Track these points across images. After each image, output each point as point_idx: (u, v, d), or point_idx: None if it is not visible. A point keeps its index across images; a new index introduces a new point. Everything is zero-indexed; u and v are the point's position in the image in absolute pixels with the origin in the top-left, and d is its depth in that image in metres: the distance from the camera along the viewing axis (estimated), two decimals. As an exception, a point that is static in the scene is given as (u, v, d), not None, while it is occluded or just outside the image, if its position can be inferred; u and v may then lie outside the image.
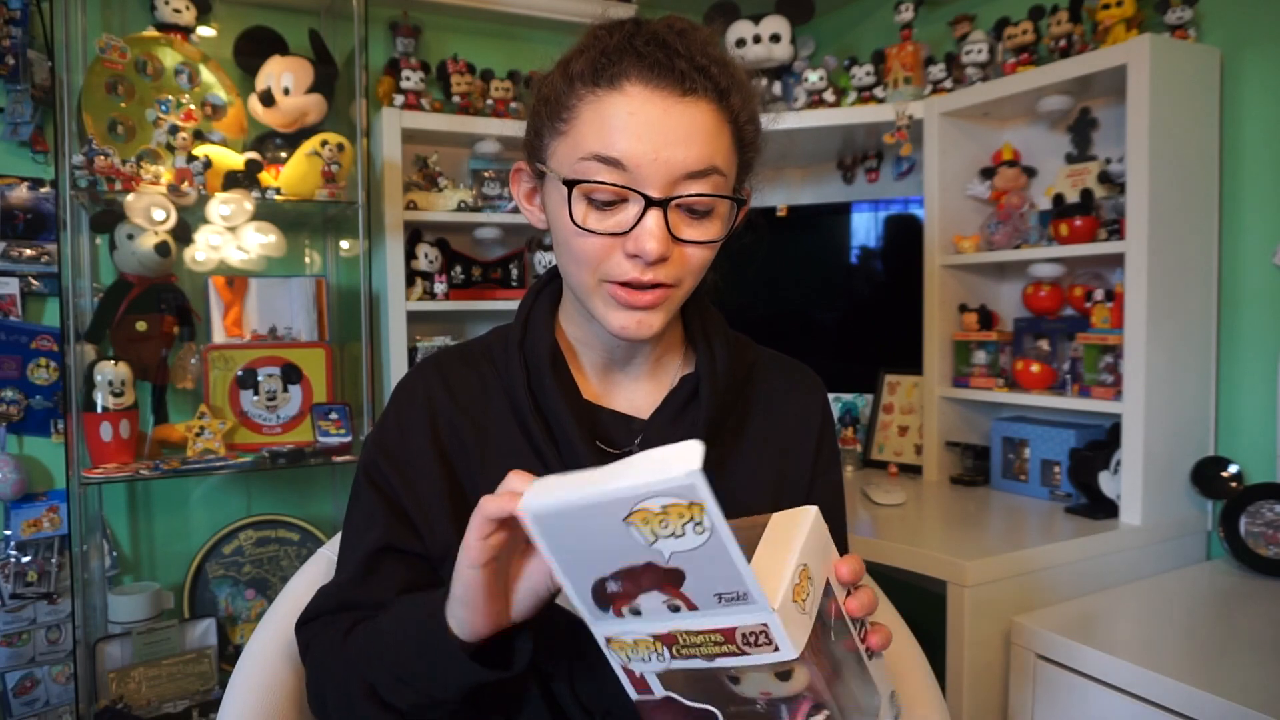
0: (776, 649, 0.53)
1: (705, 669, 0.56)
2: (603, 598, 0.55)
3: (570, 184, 0.72)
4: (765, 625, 0.52)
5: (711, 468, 0.85)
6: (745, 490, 0.85)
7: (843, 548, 0.94)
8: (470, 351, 0.88)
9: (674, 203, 0.72)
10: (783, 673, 0.56)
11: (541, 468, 0.80)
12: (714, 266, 0.84)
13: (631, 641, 0.56)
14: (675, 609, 0.54)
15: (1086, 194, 1.74)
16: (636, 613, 0.55)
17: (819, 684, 0.56)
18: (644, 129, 0.69)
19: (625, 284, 0.73)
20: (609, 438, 0.83)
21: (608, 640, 0.58)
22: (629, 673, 0.59)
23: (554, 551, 0.54)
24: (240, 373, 1.94)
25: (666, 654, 0.56)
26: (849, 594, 0.62)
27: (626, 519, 0.51)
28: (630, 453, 0.82)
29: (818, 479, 0.90)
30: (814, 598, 0.57)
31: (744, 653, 0.54)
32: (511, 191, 0.85)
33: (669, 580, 0.53)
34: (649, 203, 0.70)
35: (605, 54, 0.71)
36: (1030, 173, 1.95)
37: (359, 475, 0.84)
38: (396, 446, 0.82)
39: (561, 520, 0.53)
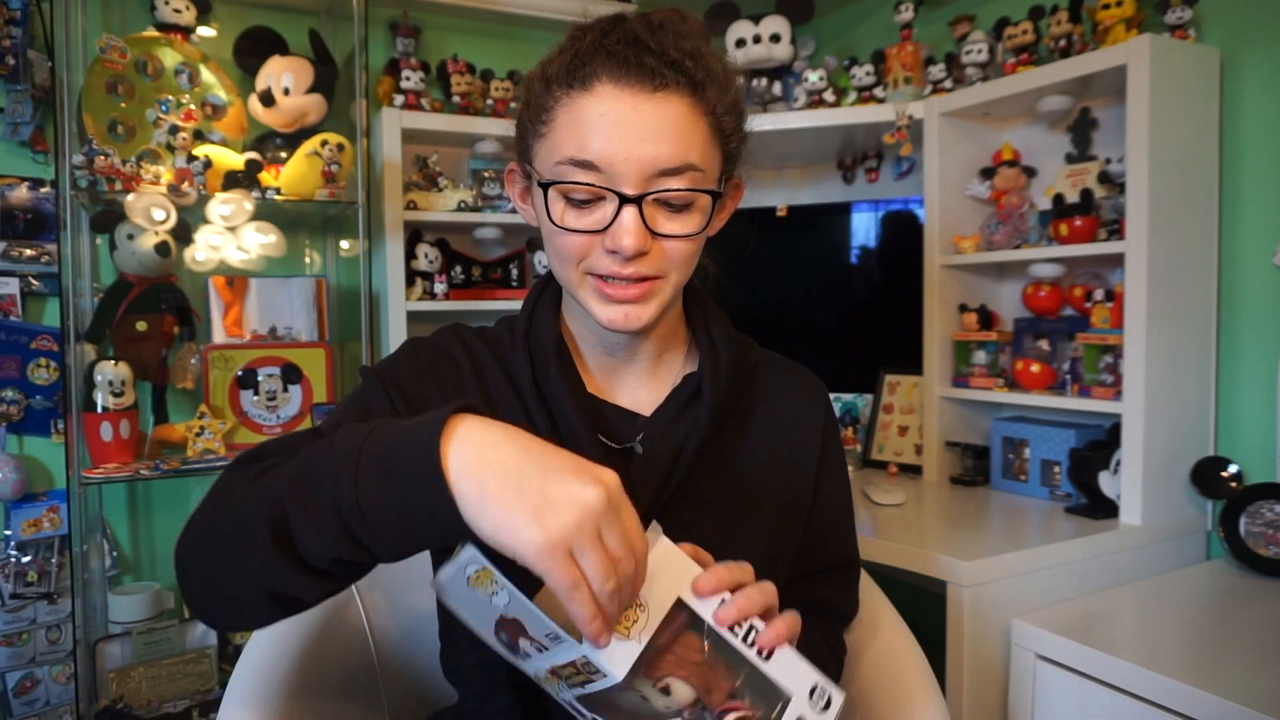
0: (605, 675, 0.57)
1: (604, 693, 0.60)
2: (505, 644, 0.62)
3: (546, 186, 0.73)
4: (585, 657, 0.57)
5: (717, 462, 0.85)
6: (746, 489, 0.85)
7: (849, 548, 0.94)
8: (483, 333, 0.88)
9: (650, 198, 0.72)
10: (663, 688, 0.61)
11: None
12: (716, 262, 0.84)
13: (546, 675, 0.62)
14: (542, 649, 0.59)
15: (1086, 194, 1.74)
16: (526, 655, 0.61)
17: (710, 695, 0.61)
18: (614, 128, 0.70)
19: (608, 277, 0.74)
20: (612, 433, 0.83)
21: (536, 675, 0.64)
22: (566, 702, 0.64)
23: (460, 611, 0.61)
24: (240, 373, 1.94)
25: (564, 685, 0.62)
26: (722, 604, 0.63)
27: (469, 583, 0.57)
28: (633, 449, 0.82)
29: (823, 480, 0.90)
30: (647, 623, 0.59)
31: (591, 680, 0.59)
32: (507, 192, 0.86)
33: (520, 628, 0.59)
34: (623, 200, 0.71)
35: (578, 55, 0.72)
36: (1030, 173, 1.95)
37: (367, 371, 0.83)
38: (406, 379, 0.82)
39: (448, 589, 0.59)
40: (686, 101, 0.72)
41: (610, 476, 0.56)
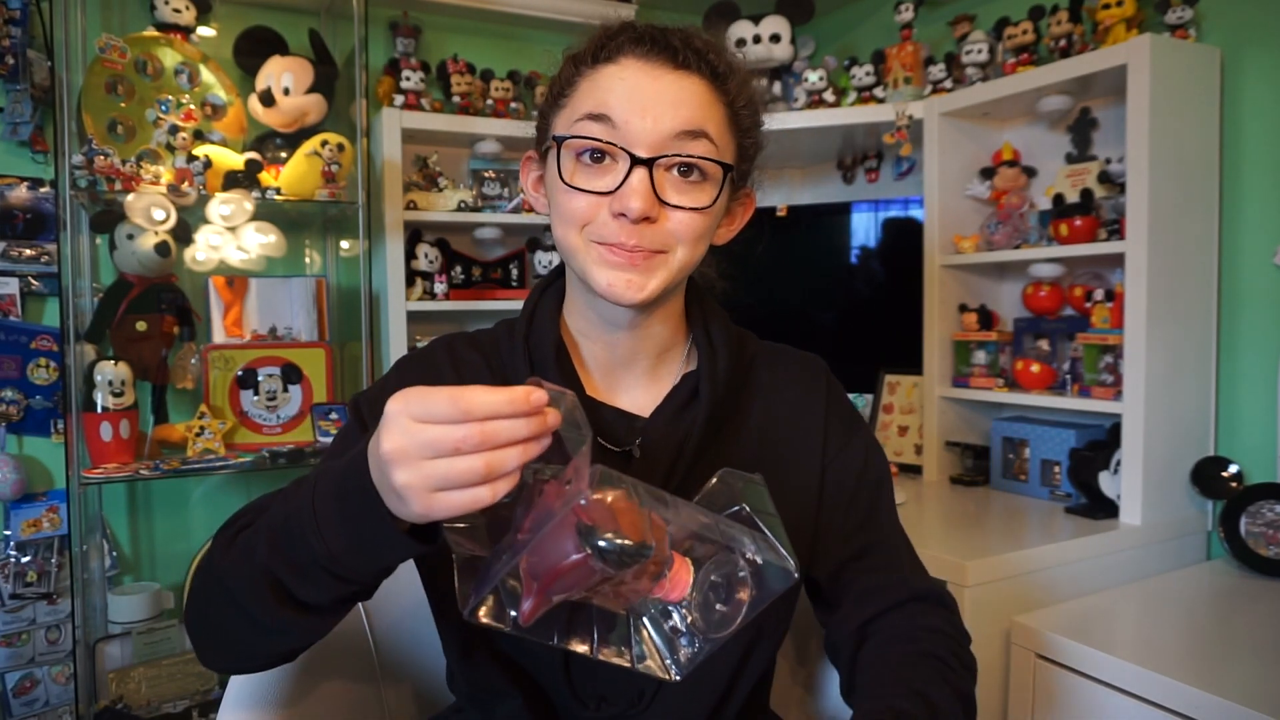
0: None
1: None
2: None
3: (560, 140, 0.75)
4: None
5: (716, 461, 0.85)
6: None
7: (880, 529, 0.88)
8: (479, 339, 0.88)
9: (662, 163, 0.73)
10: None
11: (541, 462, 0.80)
12: (721, 275, 0.84)
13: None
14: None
15: (1086, 194, 1.74)
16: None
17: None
18: (634, 90, 0.73)
19: (613, 245, 0.74)
20: (611, 435, 0.83)
21: None
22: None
23: None
24: (240, 373, 1.94)
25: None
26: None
27: None
28: (631, 451, 0.82)
29: (830, 463, 0.87)
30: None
31: None
32: (521, 182, 0.86)
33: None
34: (635, 161, 0.72)
35: (604, 37, 0.75)
36: (1030, 173, 1.95)
37: (349, 407, 0.84)
38: None
39: None
40: (707, 84, 0.74)
41: (389, 410, 0.55)
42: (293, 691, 0.89)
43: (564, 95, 0.77)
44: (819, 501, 0.87)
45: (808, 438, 0.88)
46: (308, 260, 2.21)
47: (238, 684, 0.89)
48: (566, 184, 0.74)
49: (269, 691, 0.88)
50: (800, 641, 1.11)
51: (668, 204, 0.74)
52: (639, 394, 0.86)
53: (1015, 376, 1.88)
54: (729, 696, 0.82)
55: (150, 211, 1.80)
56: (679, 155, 0.73)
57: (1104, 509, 1.64)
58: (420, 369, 0.85)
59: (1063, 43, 1.78)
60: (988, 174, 1.97)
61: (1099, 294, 1.73)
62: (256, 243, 2.00)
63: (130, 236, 1.83)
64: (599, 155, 0.73)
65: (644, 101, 0.72)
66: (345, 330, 2.20)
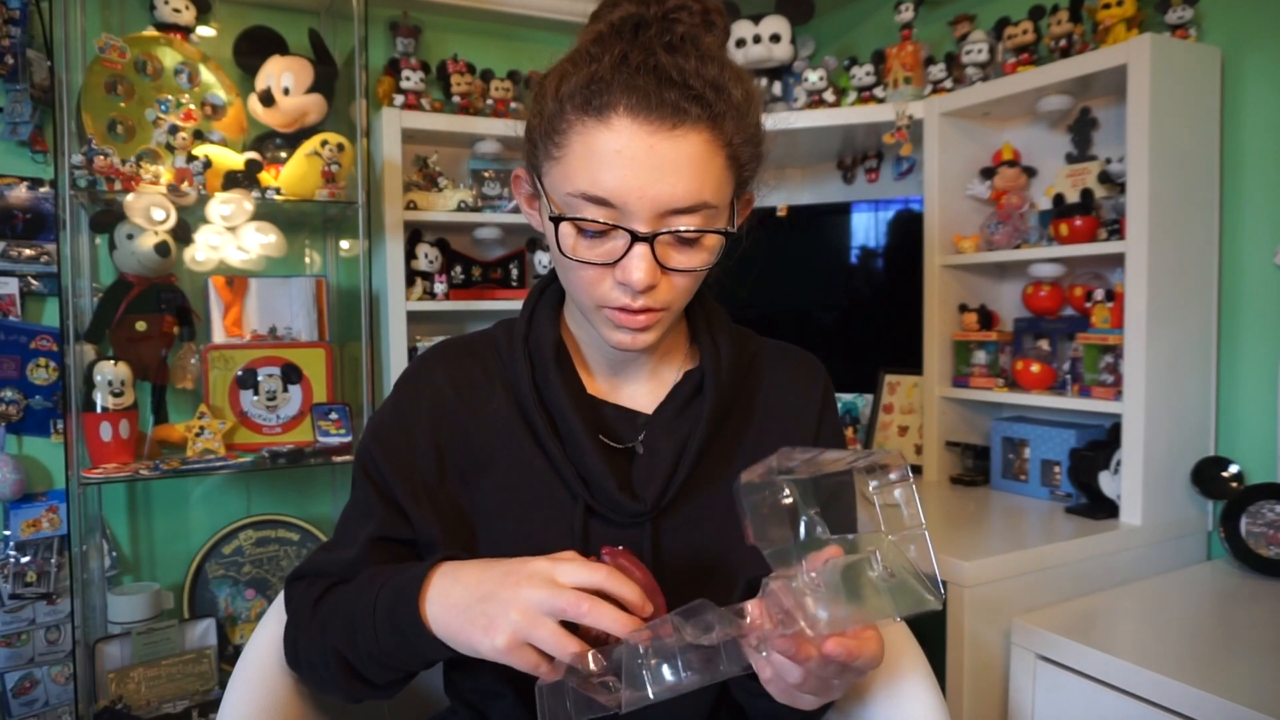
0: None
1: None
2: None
3: (557, 220, 0.73)
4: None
5: (720, 457, 0.85)
6: None
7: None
8: (475, 343, 0.88)
9: (662, 237, 0.72)
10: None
11: (546, 462, 0.80)
12: (720, 264, 0.84)
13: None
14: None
15: (1086, 194, 1.74)
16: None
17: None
18: (630, 165, 0.69)
19: (620, 309, 0.75)
20: (613, 433, 0.83)
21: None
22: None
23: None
24: (240, 373, 1.94)
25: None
26: None
27: None
28: (634, 449, 0.82)
29: None
30: None
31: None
32: (514, 196, 0.86)
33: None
34: (635, 237, 0.71)
35: (595, 79, 0.70)
36: (1030, 173, 1.95)
37: (356, 464, 0.86)
38: (392, 436, 0.84)
39: None
40: (705, 137, 0.70)
41: (536, 565, 0.67)
42: (293, 691, 0.89)
43: (555, 144, 0.72)
44: None
45: (801, 435, 0.89)
46: (308, 260, 2.21)
47: (238, 685, 0.88)
48: (569, 258, 0.73)
49: (269, 691, 0.88)
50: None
51: (669, 269, 0.74)
52: (640, 392, 0.86)
53: (1015, 376, 1.88)
54: (726, 692, 0.83)
55: (150, 211, 1.80)
56: (678, 231, 0.71)
57: (1104, 509, 1.64)
58: (417, 394, 0.85)
59: (1063, 43, 1.78)
60: (988, 174, 1.97)
61: (1099, 294, 1.73)
62: (256, 243, 2.00)
63: (130, 236, 1.83)
64: (599, 231, 0.72)
65: (642, 178, 0.69)
66: (345, 330, 2.20)
